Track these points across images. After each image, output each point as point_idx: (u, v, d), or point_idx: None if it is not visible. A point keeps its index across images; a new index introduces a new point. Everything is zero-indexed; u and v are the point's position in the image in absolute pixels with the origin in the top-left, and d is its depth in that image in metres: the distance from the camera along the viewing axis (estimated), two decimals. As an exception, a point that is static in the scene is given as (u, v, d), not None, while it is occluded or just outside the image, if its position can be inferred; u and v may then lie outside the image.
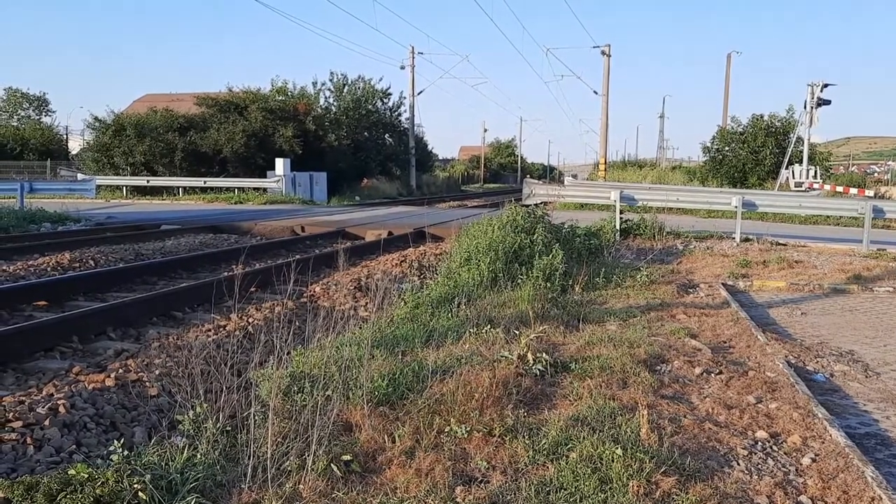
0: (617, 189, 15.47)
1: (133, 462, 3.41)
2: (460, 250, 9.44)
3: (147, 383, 5.28)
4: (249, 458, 3.40)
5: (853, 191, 24.08)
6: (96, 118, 34.42)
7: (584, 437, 3.88)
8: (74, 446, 4.28)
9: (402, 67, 43.96)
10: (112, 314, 7.27)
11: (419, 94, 44.74)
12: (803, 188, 24.34)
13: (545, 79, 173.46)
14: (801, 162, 26.14)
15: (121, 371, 5.48)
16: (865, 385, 5.71)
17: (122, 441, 3.59)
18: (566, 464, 3.59)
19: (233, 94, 34.84)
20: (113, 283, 9.38)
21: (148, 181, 30.92)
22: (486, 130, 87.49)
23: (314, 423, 3.60)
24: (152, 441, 3.80)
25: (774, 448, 4.13)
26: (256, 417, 3.71)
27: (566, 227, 11.65)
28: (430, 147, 56.11)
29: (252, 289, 8.94)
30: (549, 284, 8.34)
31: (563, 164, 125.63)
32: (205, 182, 30.31)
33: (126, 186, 31.06)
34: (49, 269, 10.38)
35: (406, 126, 45.39)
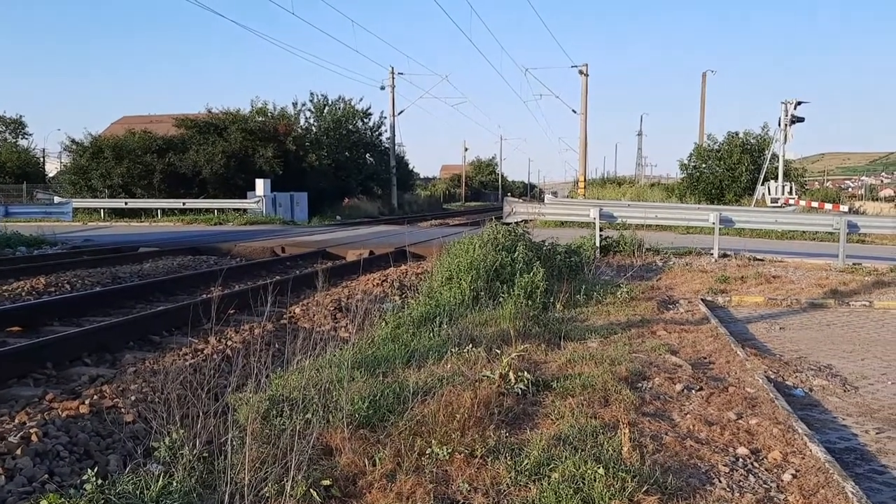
0: (596, 206, 15.56)
1: (107, 491, 3.34)
2: (442, 269, 9.43)
3: (122, 410, 5.19)
4: (227, 485, 3.34)
5: (828, 206, 24.40)
6: (73, 140, 34.24)
7: (566, 457, 3.85)
8: (47, 475, 4.18)
9: (383, 88, 44.15)
10: (87, 339, 7.15)
11: (400, 113, 44.93)
12: (779, 204, 24.63)
13: (524, 98, 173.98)
14: (776, 178, 26.49)
15: (95, 398, 5.39)
16: (844, 399, 5.74)
17: (96, 469, 3.53)
18: (548, 484, 3.56)
19: (212, 116, 34.73)
20: (89, 308, 9.24)
21: (126, 203, 30.67)
22: (466, 149, 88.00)
23: (293, 448, 3.55)
24: (127, 469, 3.73)
25: (755, 464, 4.13)
26: (234, 443, 3.65)
27: (547, 244, 11.68)
28: (411, 166, 56.31)
29: (231, 311, 8.85)
30: (530, 302, 8.34)
31: (544, 181, 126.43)
32: (184, 203, 30.14)
33: (104, 209, 30.79)
34: (24, 293, 10.22)
35: (387, 145, 45.51)
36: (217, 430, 3.87)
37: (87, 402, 5.24)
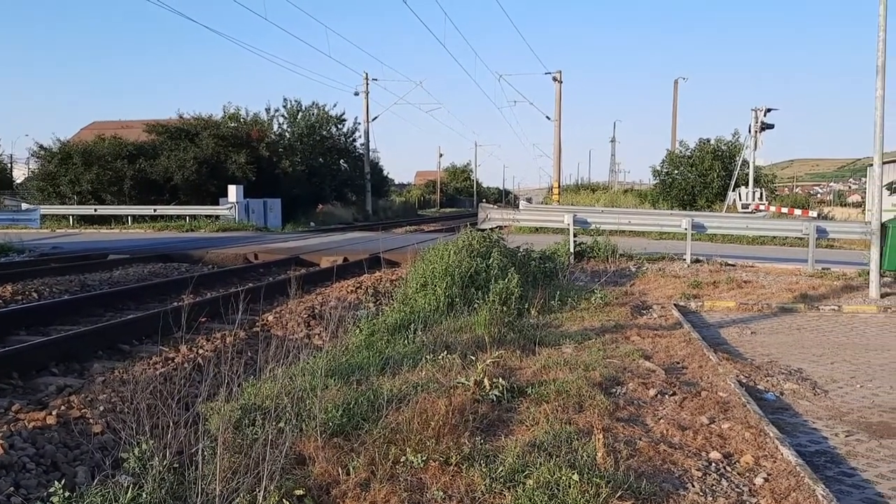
0: (570, 213, 15.66)
1: (74, 504, 3.27)
2: (416, 276, 9.41)
3: (91, 420, 5.10)
4: (198, 496, 3.29)
5: (797, 212, 24.80)
6: (41, 146, 33.57)
7: (540, 464, 3.85)
8: (13, 489, 4.08)
9: (357, 94, 44.02)
10: (55, 348, 7.02)
11: (374, 119, 44.80)
12: (750, 210, 24.98)
13: (499, 104, 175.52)
14: (747, 184, 26.89)
15: (63, 408, 5.28)
16: (814, 403, 5.82)
17: (63, 482, 3.45)
18: (523, 491, 3.56)
19: (184, 121, 34.31)
20: (57, 316, 9.08)
21: (95, 210, 30.20)
22: (441, 155, 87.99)
23: (266, 457, 3.51)
24: (95, 481, 3.66)
25: (728, 468, 4.16)
26: (205, 453, 3.59)
27: (521, 250, 11.71)
28: (385, 172, 56.13)
29: (202, 319, 8.73)
30: (505, 308, 8.34)
31: (518, 187, 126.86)
32: (155, 210, 29.75)
33: (73, 215, 30.29)
34: (-11, 302, 10.01)
35: (361, 151, 45.36)
36: (188, 440, 3.81)
37: (54, 412, 5.14)
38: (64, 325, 8.80)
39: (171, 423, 3.71)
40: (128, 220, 29.69)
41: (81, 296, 10.72)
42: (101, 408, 5.32)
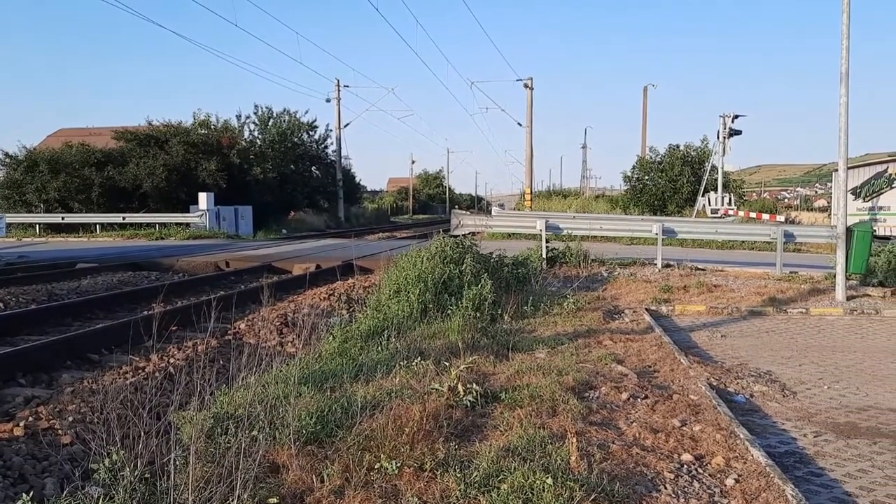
0: (543, 218, 15.74)
1: (42, 517, 3.21)
2: (389, 282, 9.39)
3: (60, 431, 5.02)
4: (169, 507, 3.25)
5: (765, 216, 25.18)
6: (7, 154, 33.04)
7: (515, 468, 3.86)
8: (-22, 502, 4.00)
9: (328, 100, 43.88)
10: (22, 359, 6.89)
11: (346, 126, 44.69)
12: (719, 215, 25.32)
13: (470, 111, 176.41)
14: (716, 189, 27.25)
15: (31, 419, 5.19)
16: (783, 404, 5.91)
17: (31, 494, 3.40)
18: (497, 496, 3.57)
19: (153, 128, 33.96)
20: (24, 326, 8.91)
21: (63, 218, 29.76)
22: (413, 162, 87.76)
23: (239, 466, 3.48)
24: (65, 493, 3.60)
25: (699, 470, 4.21)
26: (177, 462, 3.55)
27: (494, 256, 11.75)
28: (357, 179, 56.01)
29: (173, 327, 8.65)
30: (478, 314, 8.37)
31: (491, 193, 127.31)
32: (124, 218, 29.40)
33: (39, 224, 29.82)
34: (-47, 312, 9.80)
35: (333, 158, 45.21)
36: (159, 449, 3.76)
37: (21, 423, 5.06)
38: (31, 334, 8.64)
39: (143, 433, 3.66)
40: (96, 229, 29.29)
41: (49, 305, 10.54)
42: (71, 418, 5.24)
